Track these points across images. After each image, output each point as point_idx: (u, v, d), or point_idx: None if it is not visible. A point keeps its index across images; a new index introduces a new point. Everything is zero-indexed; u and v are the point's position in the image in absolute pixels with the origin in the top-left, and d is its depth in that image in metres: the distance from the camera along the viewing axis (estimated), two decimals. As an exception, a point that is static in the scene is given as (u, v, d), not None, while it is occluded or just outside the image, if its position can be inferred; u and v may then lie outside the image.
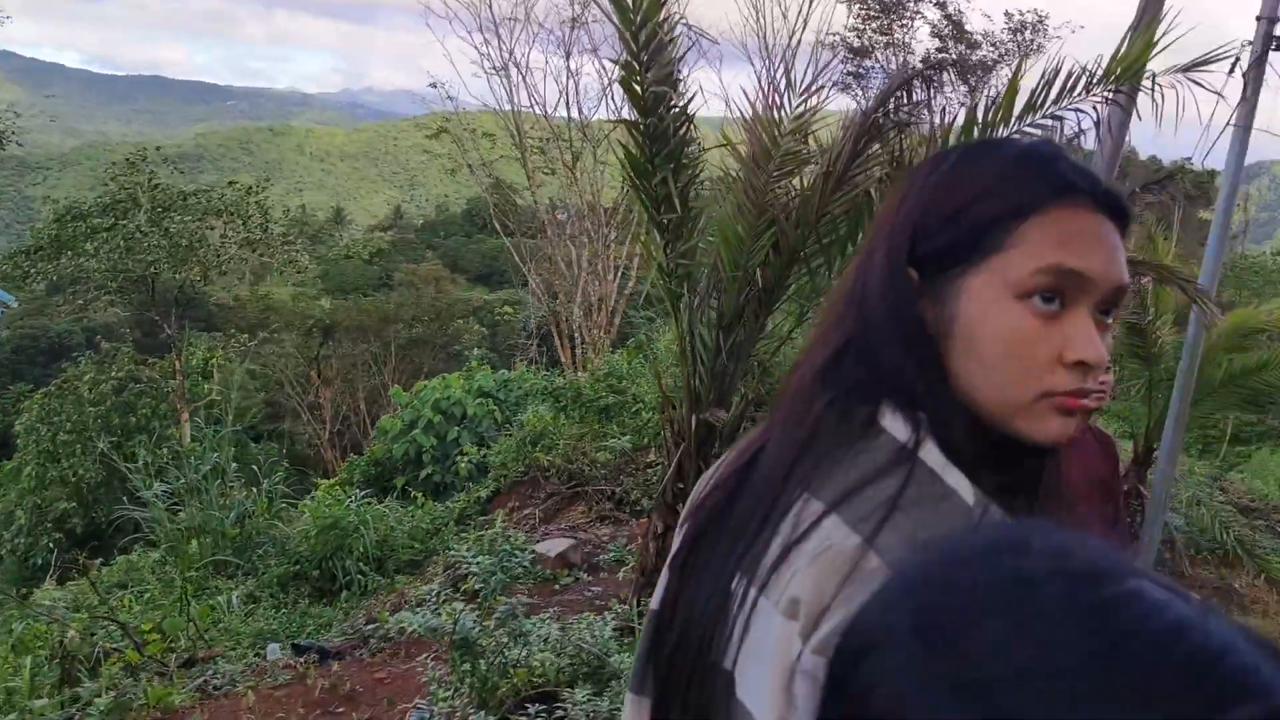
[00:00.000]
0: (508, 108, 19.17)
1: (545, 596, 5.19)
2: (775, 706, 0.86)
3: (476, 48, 19.00)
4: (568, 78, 19.00)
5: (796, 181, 4.33)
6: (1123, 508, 3.52)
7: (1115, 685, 0.43)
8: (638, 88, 4.05)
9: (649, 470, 7.91)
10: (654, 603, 1.10)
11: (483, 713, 2.66)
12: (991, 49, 19.78)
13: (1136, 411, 11.11)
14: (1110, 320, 1.00)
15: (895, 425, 0.96)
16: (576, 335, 17.95)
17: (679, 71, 4.17)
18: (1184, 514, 12.03)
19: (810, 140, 4.43)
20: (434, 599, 2.75)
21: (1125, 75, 3.92)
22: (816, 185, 4.15)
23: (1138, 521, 10.65)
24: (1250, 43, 11.39)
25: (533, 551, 6.04)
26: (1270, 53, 10.97)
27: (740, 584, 0.94)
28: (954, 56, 19.03)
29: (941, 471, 0.92)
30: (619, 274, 18.57)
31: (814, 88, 4.02)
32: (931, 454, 0.93)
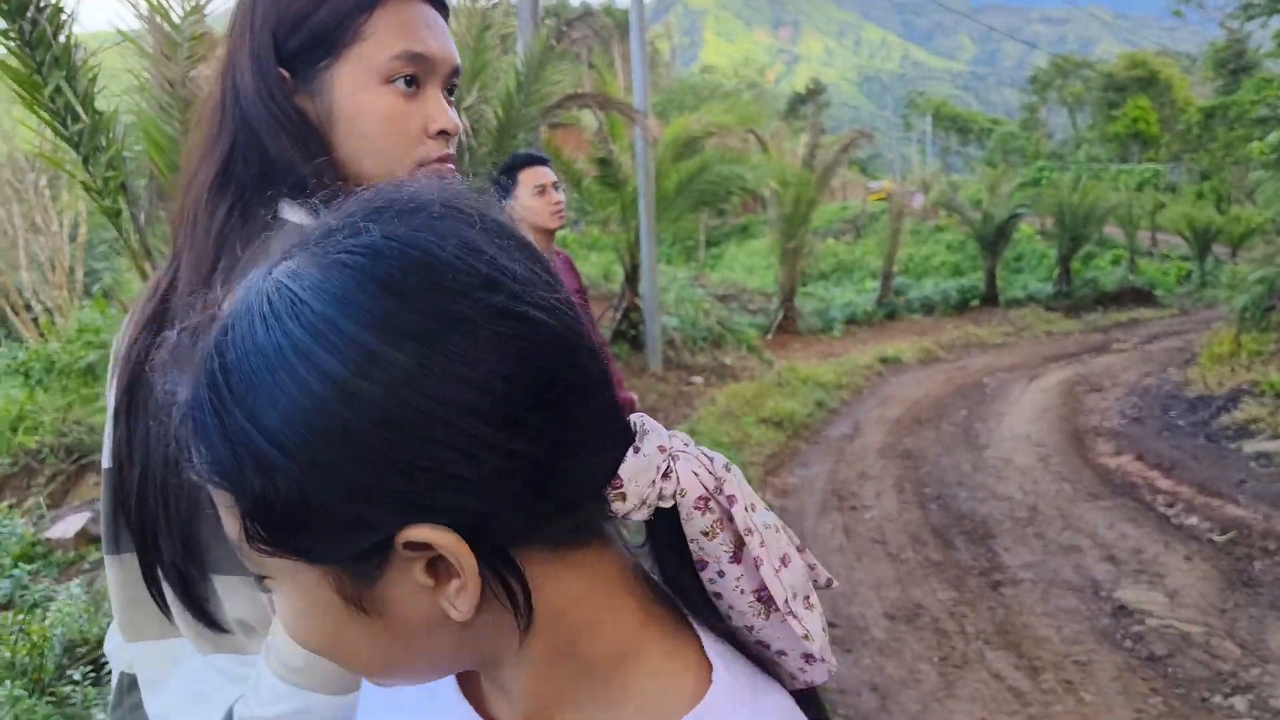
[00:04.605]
0: None
1: (73, 578, 4.69)
2: None
3: None
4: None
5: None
6: (591, 313, 4.03)
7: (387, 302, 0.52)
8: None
9: (159, 418, 7.28)
10: (105, 461, 1.10)
11: (10, 684, 2.40)
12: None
13: (619, 237, 12.28)
14: (454, 98, 1.16)
15: (296, 214, 1.04)
16: (34, 303, 15.61)
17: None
18: (675, 313, 13.73)
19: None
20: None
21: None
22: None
23: (641, 329, 11.97)
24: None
25: (46, 540, 5.39)
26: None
27: None
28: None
29: None
30: (67, 224, 16.29)
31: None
32: None
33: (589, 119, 11.81)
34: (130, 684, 1.14)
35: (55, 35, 3.66)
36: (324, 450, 0.50)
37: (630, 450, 0.57)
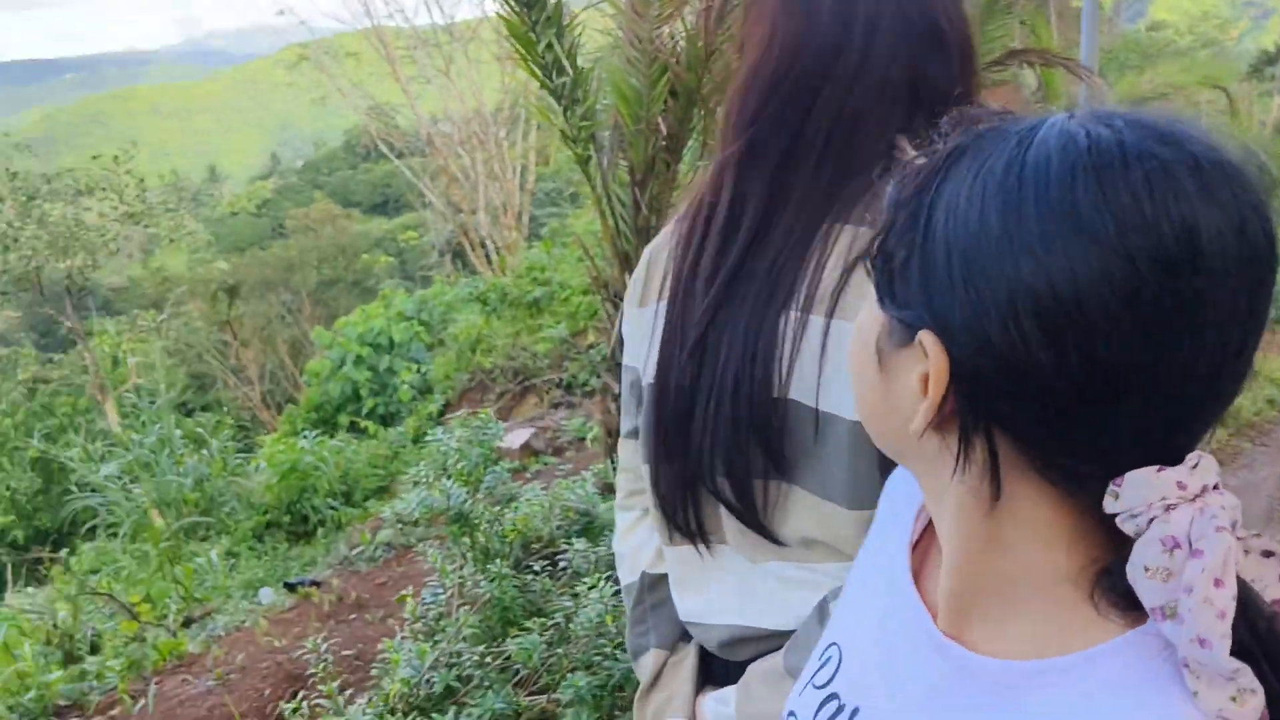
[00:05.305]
0: (366, 23, 18.44)
1: (520, 484, 5.31)
2: None
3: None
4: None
5: (680, 24, 4.32)
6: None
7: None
8: (502, -46, 4.00)
9: (590, 351, 8.01)
10: (647, 377, 1.15)
11: (498, 561, 2.79)
12: None
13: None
14: None
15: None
16: (488, 242, 17.74)
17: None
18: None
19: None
20: (425, 481, 2.85)
21: None
22: (700, 23, 4.15)
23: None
24: None
25: (497, 449, 6.14)
26: None
27: (796, 319, 1.00)
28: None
29: None
30: (518, 173, 18.29)
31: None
32: None
33: (1023, 77, 11.10)
34: (652, 583, 1.24)
35: (549, -5, 4.07)
36: (944, 233, 0.57)
37: (1155, 467, 0.54)
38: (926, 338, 0.57)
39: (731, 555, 1.12)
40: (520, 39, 4.11)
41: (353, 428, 11.12)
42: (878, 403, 0.65)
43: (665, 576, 1.23)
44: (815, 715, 0.72)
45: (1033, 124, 0.56)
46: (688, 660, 1.20)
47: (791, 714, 0.76)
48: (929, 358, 0.57)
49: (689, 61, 4.19)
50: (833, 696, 0.72)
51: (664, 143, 4.27)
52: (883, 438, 0.67)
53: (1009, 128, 0.58)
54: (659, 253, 1.21)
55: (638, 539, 1.29)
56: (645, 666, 1.23)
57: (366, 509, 7.43)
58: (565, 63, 4.06)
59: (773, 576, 1.08)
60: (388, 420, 11.07)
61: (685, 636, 1.22)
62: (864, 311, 0.66)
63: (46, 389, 20.38)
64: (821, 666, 0.75)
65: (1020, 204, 0.53)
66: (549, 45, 4.05)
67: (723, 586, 1.13)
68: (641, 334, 1.19)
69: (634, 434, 1.28)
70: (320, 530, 7.33)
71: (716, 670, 1.19)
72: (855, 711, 0.69)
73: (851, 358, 0.68)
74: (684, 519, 1.14)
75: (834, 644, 0.75)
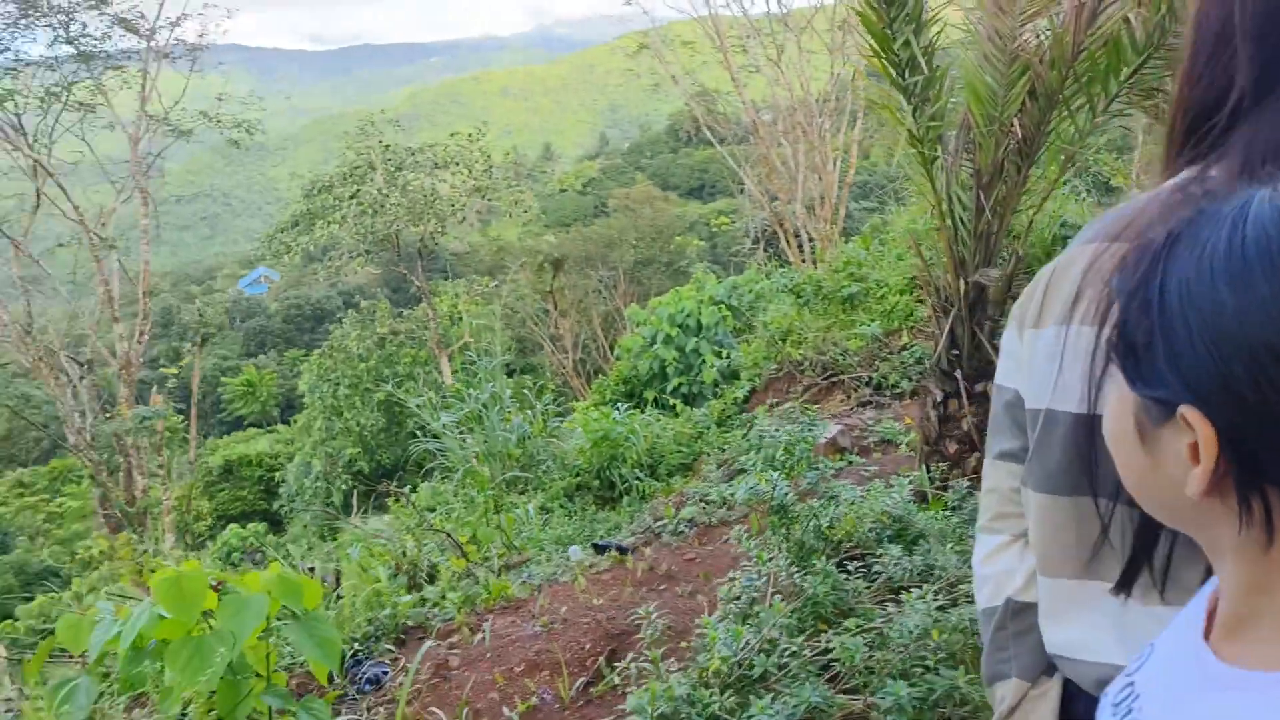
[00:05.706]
0: (704, 12, 18.93)
1: (824, 481, 5.31)
2: None
3: (665, -44, 18.91)
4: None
5: (1044, 21, 4.11)
6: None
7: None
8: (865, -49, 3.97)
9: (903, 353, 7.83)
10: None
11: (823, 558, 2.83)
12: None
13: None
14: None
15: None
16: (802, 233, 17.74)
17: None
18: None
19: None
20: (751, 469, 2.94)
21: None
22: (1069, 21, 3.92)
23: None
24: None
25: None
26: None
27: None
28: None
29: None
30: (838, 166, 18.12)
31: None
32: None
33: None
34: (1018, 610, 1.20)
35: (908, -7, 4.00)
36: (1180, 312, 0.62)
37: None
38: (1189, 412, 0.62)
39: (1093, 591, 1.08)
40: (876, 35, 4.08)
41: (656, 403, 11.56)
42: (1146, 476, 0.70)
43: (1032, 606, 1.19)
44: (1116, 696, 0.82)
45: (1241, 202, 0.63)
46: (1051, 694, 1.17)
47: (1105, 694, 0.86)
48: (1195, 429, 0.62)
49: (1053, 60, 3.97)
50: (1131, 684, 0.81)
51: (1016, 145, 4.09)
52: (1156, 505, 0.73)
53: (1218, 209, 0.64)
54: (1064, 272, 1.12)
55: (1005, 564, 1.25)
56: (1001, 694, 1.21)
57: (669, 484, 7.72)
58: (920, 61, 3.98)
59: (1156, 619, 1.04)
60: (690, 400, 11.40)
61: (1048, 669, 1.19)
62: (1113, 396, 0.71)
63: (394, 340, 22.85)
64: (1138, 658, 0.84)
65: (1248, 276, 0.60)
66: (905, 43, 3.98)
67: (1101, 624, 1.09)
68: (1032, 357, 1.14)
69: (1008, 456, 1.24)
70: (625, 499, 7.71)
71: (1079, 711, 1.15)
72: (1138, 696, 0.79)
73: (1112, 439, 0.73)
74: (1059, 549, 1.10)
75: (1153, 644, 0.84)
